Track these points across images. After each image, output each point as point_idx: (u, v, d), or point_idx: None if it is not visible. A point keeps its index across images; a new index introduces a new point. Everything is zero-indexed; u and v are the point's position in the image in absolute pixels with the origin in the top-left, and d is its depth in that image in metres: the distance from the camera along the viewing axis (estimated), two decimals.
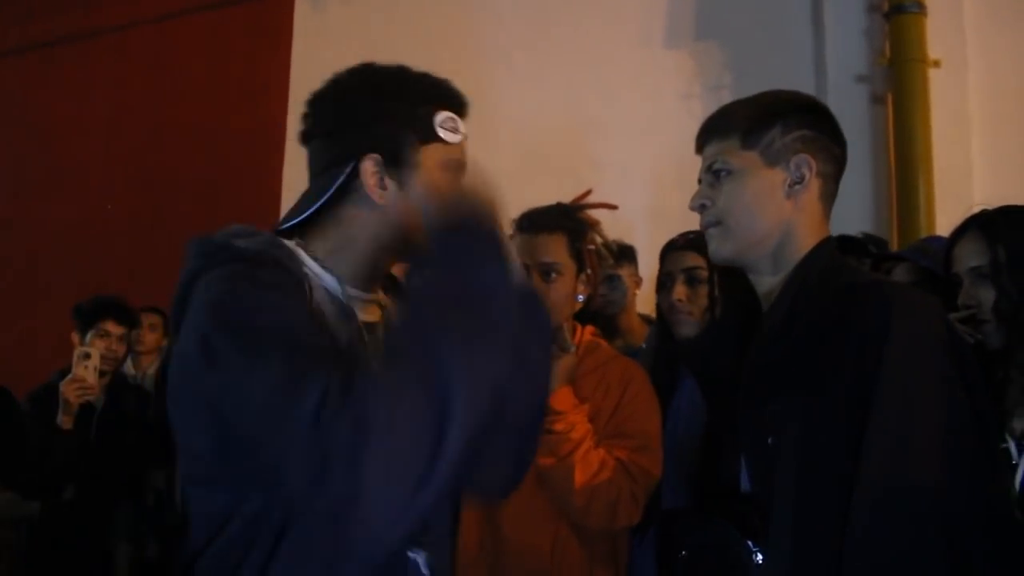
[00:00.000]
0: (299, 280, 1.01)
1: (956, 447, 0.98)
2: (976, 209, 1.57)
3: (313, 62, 4.34)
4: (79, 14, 4.96)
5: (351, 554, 0.93)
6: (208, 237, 1.01)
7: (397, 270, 1.19)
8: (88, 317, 2.73)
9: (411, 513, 0.83)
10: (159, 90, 4.76)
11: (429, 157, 1.08)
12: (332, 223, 1.09)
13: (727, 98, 1.26)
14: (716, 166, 1.19)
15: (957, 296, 1.55)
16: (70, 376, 2.52)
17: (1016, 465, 1.38)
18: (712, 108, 1.25)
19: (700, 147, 1.24)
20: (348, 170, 1.05)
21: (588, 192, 1.82)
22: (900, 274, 1.93)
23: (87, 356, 2.56)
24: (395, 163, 1.06)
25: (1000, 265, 1.47)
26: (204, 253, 0.99)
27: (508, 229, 1.78)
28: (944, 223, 2.96)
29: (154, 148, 4.71)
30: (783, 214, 1.16)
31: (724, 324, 1.72)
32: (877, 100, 3.47)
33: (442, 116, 1.08)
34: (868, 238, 2.42)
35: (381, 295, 1.17)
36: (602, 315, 2.54)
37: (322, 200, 1.06)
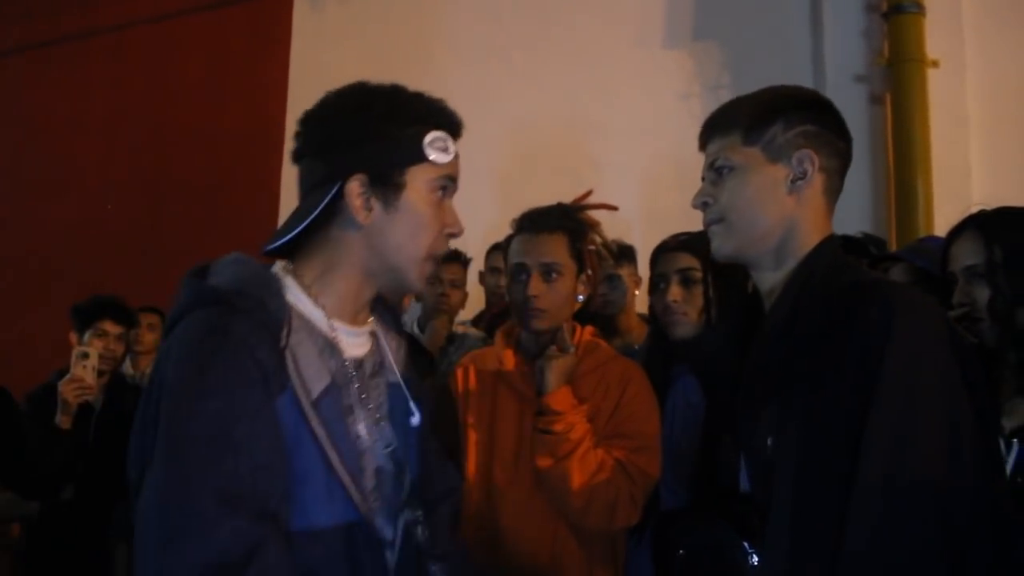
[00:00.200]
0: (277, 326, 0.99)
1: (957, 446, 0.98)
2: (974, 209, 1.58)
3: (312, 62, 4.35)
4: (77, 14, 4.96)
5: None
6: (199, 280, 1.02)
7: (387, 295, 1.18)
8: (86, 317, 2.73)
9: None
10: (158, 90, 4.76)
11: (417, 177, 1.07)
12: (319, 244, 1.09)
13: (726, 98, 1.26)
14: (718, 163, 1.19)
15: (952, 295, 1.55)
16: (68, 376, 2.52)
17: (1005, 462, 1.38)
18: (711, 108, 1.24)
19: (703, 144, 1.24)
20: (334, 190, 1.05)
21: (589, 192, 1.83)
22: (896, 274, 1.93)
23: (85, 356, 2.55)
24: (381, 183, 1.06)
25: (996, 264, 1.48)
26: (192, 293, 1.00)
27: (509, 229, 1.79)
28: (942, 223, 2.97)
29: (153, 148, 4.71)
30: (786, 210, 1.16)
31: (724, 324, 1.72)
32: (876, 100, 3.47)
33: (431, 136, 1.07)
34: (868, 238, 2.43)
35: (370, 323, 1.16)
36: (602, 315, 2.54)
37: (308, 220, 1.06)
